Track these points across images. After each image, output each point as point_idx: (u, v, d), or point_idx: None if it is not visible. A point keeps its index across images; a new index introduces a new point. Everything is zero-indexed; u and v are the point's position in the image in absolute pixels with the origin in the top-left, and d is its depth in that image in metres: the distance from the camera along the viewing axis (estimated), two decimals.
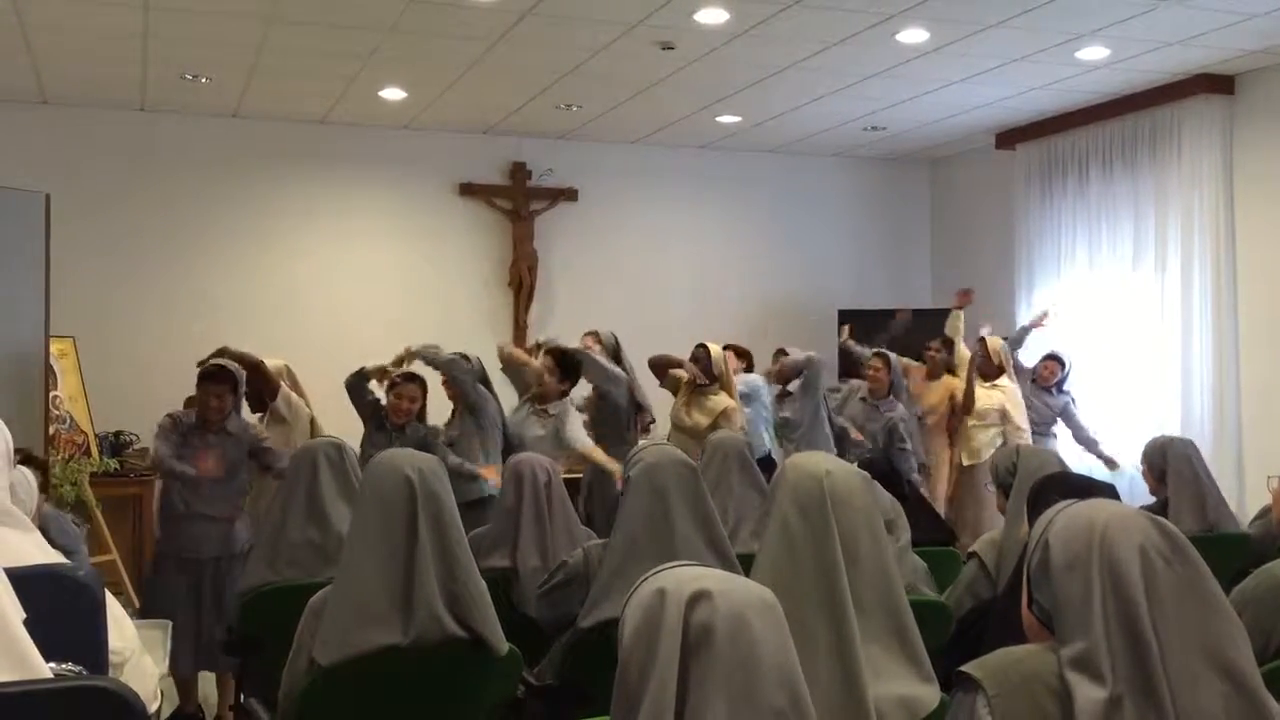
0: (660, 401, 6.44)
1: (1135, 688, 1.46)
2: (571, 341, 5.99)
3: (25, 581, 1.73)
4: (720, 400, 5.92)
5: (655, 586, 1.42)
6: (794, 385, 6.23)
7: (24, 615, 1.59)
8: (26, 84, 6.83)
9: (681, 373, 6.09)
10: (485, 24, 5.70)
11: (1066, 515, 1.60)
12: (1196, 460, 4.31)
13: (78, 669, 1.75)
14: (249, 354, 5.37)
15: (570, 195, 8.51)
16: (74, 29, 5.79)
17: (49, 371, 5.63)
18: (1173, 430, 6.47)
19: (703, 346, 6.11)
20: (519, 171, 8.39)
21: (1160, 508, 4.17)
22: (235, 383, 4.75)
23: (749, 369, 6.82)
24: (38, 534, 2.18)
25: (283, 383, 5.59)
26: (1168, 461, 4.29)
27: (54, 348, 5.96)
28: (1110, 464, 6.71)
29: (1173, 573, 1.51)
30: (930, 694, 2.04)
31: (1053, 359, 7.02)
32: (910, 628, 2.09)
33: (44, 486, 3.47)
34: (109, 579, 4.67)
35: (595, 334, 6.22)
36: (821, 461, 2.18)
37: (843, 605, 2.00)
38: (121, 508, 6.70)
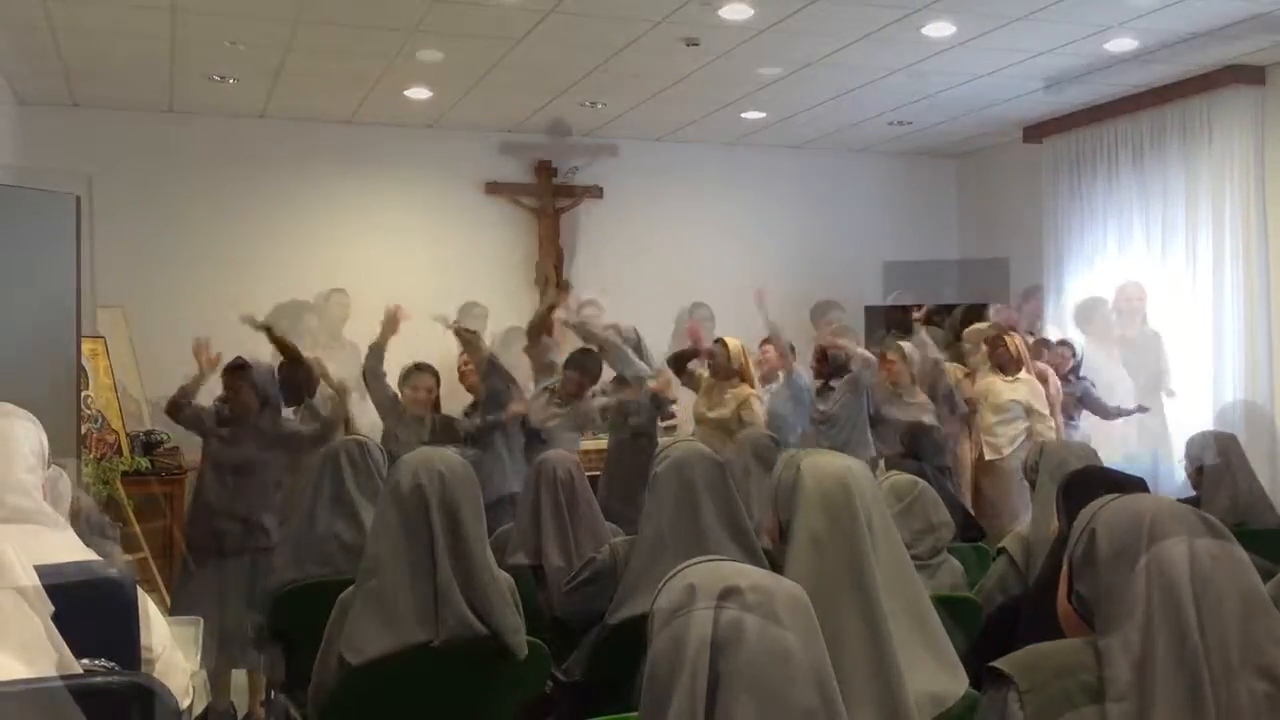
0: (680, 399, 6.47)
1: (1175, 680, 1.45)
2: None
3: (59, 579, 1.75)
4: (741, 390, 6.01)
5: (686, 582, 1.41)
6: (835, 382, 6.12)
7: (52, 610, 1.60)
8: (56, 87, 6.89)
9: (701, 368, 6.14)
10: (509, 23, 5.71)
11: (1113, 507, 1.60)
12: (1234, 454, 4.28)
13: (110, 665, 1.76)
14: (291, 344, 5.39)
15: (595, 193, 8.50)
16: (102, 32, 5.83)
17: (80, 372, 5.67)
18: (1205, 423, 6.41)
19: (720, 342, 6.18)
20: (544, 170, 8.40)
21: (1194, 502, 4.14)
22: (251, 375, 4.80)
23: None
24: (71, 532, 2.20)
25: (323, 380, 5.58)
26: (1204, 455, 4.28)
27: (85, 348, 6.01)
28: (1142, 408, 6.80)
29: (1218, 568, 1.51)
30: (956, 681, 2.03)
31: (1065, 345, 6.99)
32: (930, 613, 2.11)
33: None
34: (141, 577, 4.71)
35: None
36: (839, 459, 2.23)
37: (875, 600, 1.99)
38: (153, 506, 6.75)
